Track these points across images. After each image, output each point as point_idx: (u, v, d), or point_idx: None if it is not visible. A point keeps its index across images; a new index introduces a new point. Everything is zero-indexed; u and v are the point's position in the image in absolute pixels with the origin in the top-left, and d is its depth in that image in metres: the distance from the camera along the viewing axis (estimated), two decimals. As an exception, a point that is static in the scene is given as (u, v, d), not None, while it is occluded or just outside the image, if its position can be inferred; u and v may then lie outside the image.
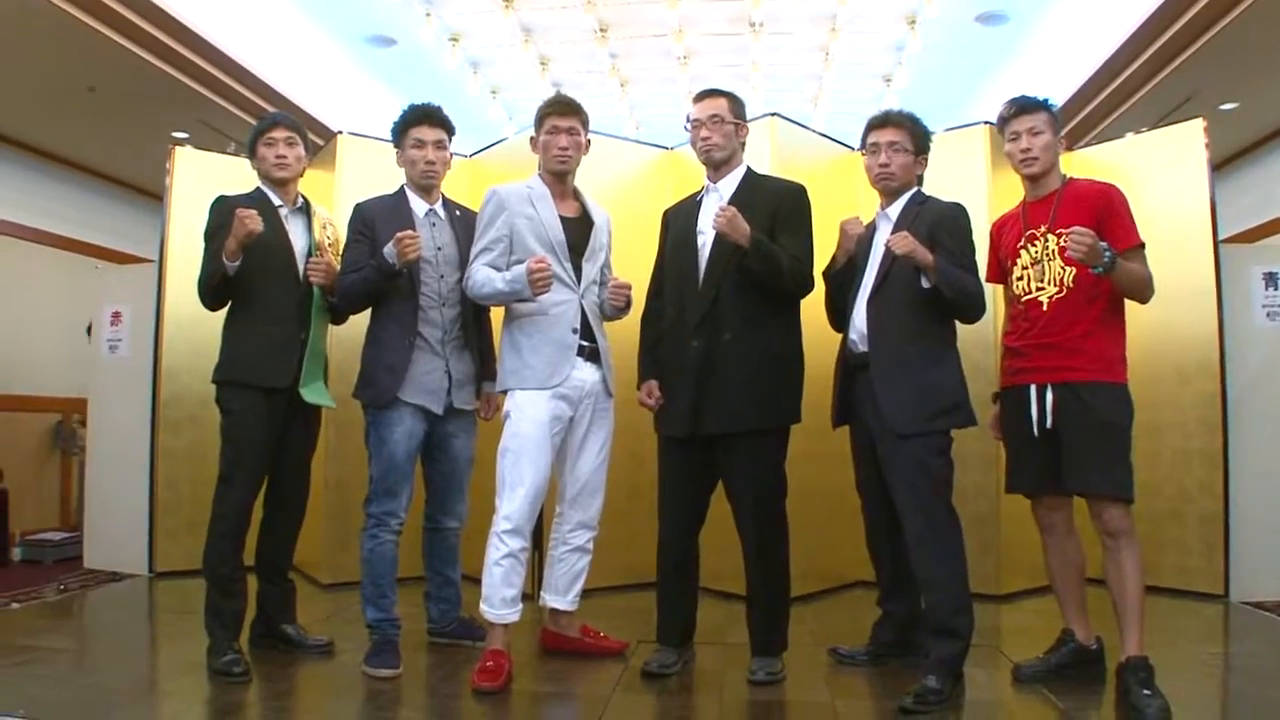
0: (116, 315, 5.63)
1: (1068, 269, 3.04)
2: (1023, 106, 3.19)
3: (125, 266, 7.09)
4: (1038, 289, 3.12)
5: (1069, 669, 3.17)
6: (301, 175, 3.60)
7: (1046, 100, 3.22)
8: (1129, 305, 3.11)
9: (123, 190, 8.95)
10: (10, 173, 7.75)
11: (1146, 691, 2.79)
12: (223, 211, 3.38)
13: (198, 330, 4.60)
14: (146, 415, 5.23)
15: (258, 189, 3.54)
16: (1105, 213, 3.04)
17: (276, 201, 3.51)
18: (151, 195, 8.47)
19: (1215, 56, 6.13)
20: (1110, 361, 3.05)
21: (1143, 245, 3.06)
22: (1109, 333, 3.07)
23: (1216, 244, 4.59)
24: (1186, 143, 4.72)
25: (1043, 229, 3.12)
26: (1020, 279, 3.19)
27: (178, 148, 5.44)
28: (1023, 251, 3.19)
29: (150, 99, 6.81)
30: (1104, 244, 2.87)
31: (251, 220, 3.23)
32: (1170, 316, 4.44)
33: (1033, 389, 3.09)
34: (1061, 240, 2.96)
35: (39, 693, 3.06)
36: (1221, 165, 7.78)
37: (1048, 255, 3.10)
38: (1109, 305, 3.06)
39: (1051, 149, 3.18)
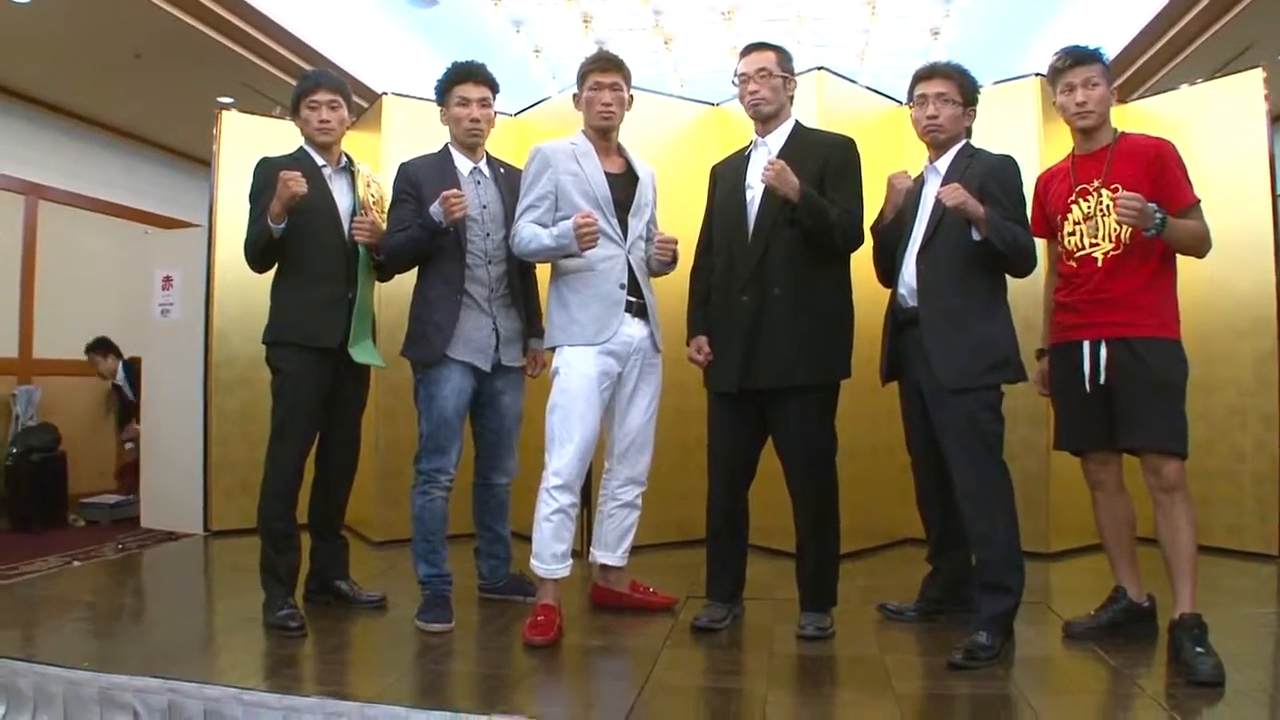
0: (168, 280, 5.72)
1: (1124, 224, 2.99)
2: (1078, 58, 3.11)
3: (175, 231, 7.18)
4: (1091, 245, 3.06)
5: (1120, 627, 3.14)
6: (344, 135, 3.61)
7: (1099, 50, 3.15)
8: (1183, 260, 3.05)
9: (171, 156, 9.06)
10: (61, 142, 7.88)
11: (1199, 649, 2.74)
12: (266, 173, 3.40)
13: (247, 292, 4.67)
14: (199, 377, 5.32)
15: (300, 149, 3.55)
16: (1160, 170, 2.98)
17: (320, 161, 3.52)
18: (199, 161, 8.57)
19: (1275, 3, 5.94)
20: (1165, 317, 3.00)
21: (1198, 202, 3.00)
22: (1163, 289, 3.02)
23: (1275, 198, 4.49)
24: (1245, 94, 4.59)
25: (1096, 184, 3.06)
26: (1072, 234, 3.12)
27: (224, 112, 5.49)
28: (1074, 207, 3.12)
29: (195, 64, 6.87)
30: (1154, 205, 2.82)
31: (295, 182, 3.25)
32: (1226, 271, 4.36)
33: (1086, 345, 3.04)
34: (1116, 200, 2.90)
35: (101, 646, 3.15)
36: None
37: (1102, 211, 3.03)
38: (1162, 261, 3.01)
39: (1106, 101, 3.11)
